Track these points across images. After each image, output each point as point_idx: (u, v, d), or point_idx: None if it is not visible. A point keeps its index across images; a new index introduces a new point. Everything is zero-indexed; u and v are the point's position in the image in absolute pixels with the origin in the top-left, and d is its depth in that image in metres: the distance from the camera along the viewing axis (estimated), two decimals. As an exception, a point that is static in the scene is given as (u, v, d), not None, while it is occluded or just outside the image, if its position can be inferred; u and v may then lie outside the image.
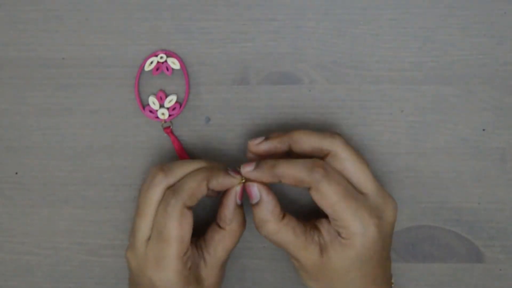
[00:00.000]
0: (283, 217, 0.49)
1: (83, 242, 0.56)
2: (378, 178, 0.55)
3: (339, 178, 0.48)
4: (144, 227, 0.48)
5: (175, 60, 0.55)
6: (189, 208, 0.48)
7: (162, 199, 0.48)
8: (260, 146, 0.50)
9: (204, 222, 0.54)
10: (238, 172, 0.49)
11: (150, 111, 0.55)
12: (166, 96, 0.56)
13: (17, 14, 0.56)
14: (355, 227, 0.47)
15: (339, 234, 0.48)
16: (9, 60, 0.56)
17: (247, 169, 0.49)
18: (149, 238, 0.48)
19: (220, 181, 0.48)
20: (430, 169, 0.55)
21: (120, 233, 0.56)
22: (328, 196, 0.47)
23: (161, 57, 0.55)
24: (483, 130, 0.55)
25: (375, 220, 0.48)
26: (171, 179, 0.48)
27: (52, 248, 0.56)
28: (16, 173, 0.56)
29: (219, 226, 0.50)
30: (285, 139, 0.50)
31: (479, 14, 0.55)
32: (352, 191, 0.48)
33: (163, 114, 0.55)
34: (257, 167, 0.49)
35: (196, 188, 0.48)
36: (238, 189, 0.49)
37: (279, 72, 0.55)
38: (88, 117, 0.56)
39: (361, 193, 0.49)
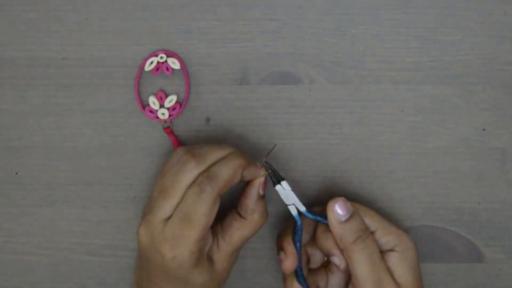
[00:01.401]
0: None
1: (83, 242, 0.56)
2: (378, 178, 0.55)
3: (379, 265, 0.49)
4: (168, 207, 0.48)
5: (175, 60, 0.55)
6: (220, 195, 0.48)
7: (194, 183, 0.48)
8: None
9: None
10: (262, 166, 0.50)
11: (150, 111, 0.55)
12: (166, 96, 0.56)
13: (17, 14, 0.56)
14: None
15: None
16: (9, 60, 0.56)
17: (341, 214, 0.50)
18: (168, 218, 0.48)
19: (252, 172, 0.49)
20: (430, 169, 0.55)
21: (120, 233, 0.56)
22: (359, 278, 0.49)
23: (161, 57, 0.55)
24: (483, 130, 0.55)
25: None
26: (203, 166, 0.48)
27: (52, 248, 0.56)
28: (16, 173, 0.56)
29: (240, 215, 0.50)
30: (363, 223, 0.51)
31: (479, 14, 0.55)
32: (386, 281, 0.49)
33: (163, 114, 0.55)
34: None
35: (232, 176, 0.48)
36: (262, 180, 0.50)
37: (279, 72, 0.55)
38: (88, 117, 0.56)
39: (398, 283, 0.50)
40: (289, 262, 0.50)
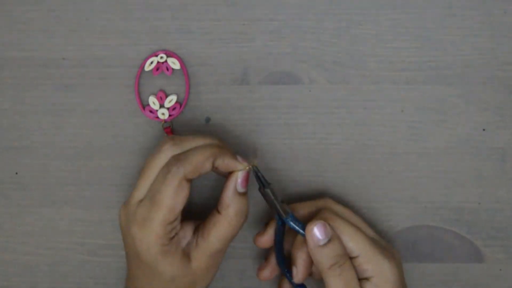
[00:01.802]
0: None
1: (83, 242, 0.56)
2: (378, 178, 0.55)
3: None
4: (142, 188, 0.49)
5: (175, 60, 0.55)
6: (189, 180, 0.48)
7: (164, 164, 0.48)
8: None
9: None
10: (245, 160, 0.50)
11: (150, 111, 0.55)
12: (166, 96, 0.56)
13: (17, 14, 0.56)
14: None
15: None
16: (9, 60, 0.56)
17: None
18: (142, 200, 0.49)
19: (226, 162, 0.49)
20: (430, 169, 0.55)
21: (120, 233, 0.56)
22: None
23: (161, 57, 0.55)
24: (483, 130, 0.55)
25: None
26: (178, 148, 0.49)
27: (52, 248, 0.56)
28: (16, 173, 0.56)
29: (218, 211, 0.50)
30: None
31: (479, 14, 0.55)
32: None
33: (163, 114, 0.55)
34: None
35: (200, 162, 0.48)
36: (240, 174, 0.49)
37: (279, 72, 0.55)
38: (88, 117, 0.56)
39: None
40: (265, 272, 0.52)
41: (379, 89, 0.55)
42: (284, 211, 0.50)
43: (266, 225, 0.52)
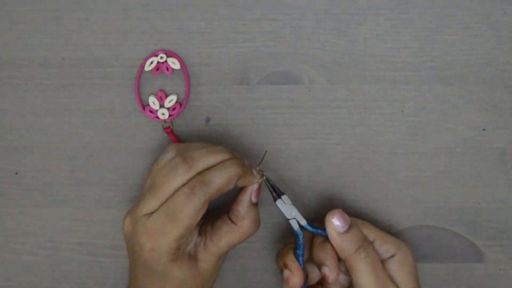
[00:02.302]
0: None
1: (83, 242, 0.56)
2: (378, 178, 0.55)
3: (381, 274, 0.49)
4: (153, 204, 0.49)
5: (175, 60, 0.55)
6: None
7: (185, 185, 0.48)
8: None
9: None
10: (257, 171, 0.50)
11: (150, 111, 0.55)
12: (166, 96, 0.56)
13: (17, 14, 0.56)
14: None
15: None
16: (9, 60, 0.56)
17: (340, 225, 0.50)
18: (152, 213, 0.49)
19: (247, 180, 0.49)
20: (430, 169, 0.55)
21: (120, 233, 0.56)
22: (361, 285, 0.49)
23: (161, 57, 0.55)
24: (483, 130, 0.55)
25: None
26: (193, 171, 0.48)
27: (52, 248, 0.56)
28: (16, 173, 0.56)
29: (231, 220, 0.50)
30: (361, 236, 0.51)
31: (479, 14, 0.55)
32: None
33: (163, 114, 0.55)
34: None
35: (226, 185, 0.48)
36: (255, 187, 0.50)
37: (279, 72, 0.55)
38: (88, 117, 0.56)
39: None
40: (296, 278, 0.50)
41: (379, 89, 0.55)
42: (292, 228, 0.51)
43: (285, 266, 0.51)
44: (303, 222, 0.51)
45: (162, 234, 0.48)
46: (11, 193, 0.56)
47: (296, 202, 0.55)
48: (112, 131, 0.56)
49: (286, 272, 0.50)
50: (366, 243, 0.50)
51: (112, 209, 0.56)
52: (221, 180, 0.48)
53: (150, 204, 0.48)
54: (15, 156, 0.56)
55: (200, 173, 0.48)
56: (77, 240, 0.56)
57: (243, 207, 0.50)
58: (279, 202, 0.51)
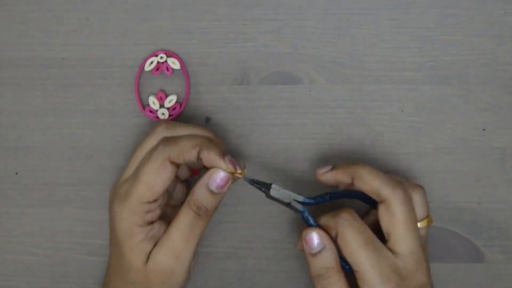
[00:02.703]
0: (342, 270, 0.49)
1: (83, 242, 0.56)
2: (378, 178, 0.55)
3: (364, 227, 0.47)
4: (131, 168, 0.50)
5: (175, 60, 0.55)
6: (173, 163, 0.47)
7: (154, 145, 0.49)
8: (326, 175, 0.50)
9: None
10: (232, 164, 0.48)
11: (150, 111, 0.55)
12: (166, 96, 0.56)
13: (17, 14, 0.56)
14: (373, 280, 0.46)
15: None
16: (9, 60, 0.56)
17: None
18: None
19: (211, 156, 0.47)
20: (430, 169, 0.55)
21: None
22: (348, 243, 0.47)
23: (161, 57, 0.55)
24: (483, 130, 0.55)
25: (397, 278, 0.46)
26: (170, 132, 0.49)
27: (52, 248, 0.56)
28: (16, 173, 0.56)
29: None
30: (348, 172, 0.49)
31: (479, 14, 0.55)
32: (377, 243, 0.47)
33: (163, 114, 0.55)
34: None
35: (186, 148, 0.47)
36: (217, 172, 0.47)
37: (279, 72, 0.56)
38: (88, 117, 0.56)
39: (393, 251, 0.48)
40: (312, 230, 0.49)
41: (379, 89, 0.55)
42: (292, 208, 0.50)
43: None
44: (301, 198, 0.50)
45: (127, 195, 0.48)
46: (11, 193, 0.56)
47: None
48: (112, 131, 0.56)
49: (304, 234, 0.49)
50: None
51: (112, 209, 0.56)
52: (183, 142, 0.47)
53: (129, 168, 0.50)
54: (15, 156, 0.56)
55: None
56: (77, 240, 0.56)
57: (197, 185, 0.48)
58: (272, 193, 0.50)
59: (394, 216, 0.47)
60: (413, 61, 0.55)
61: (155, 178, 0.47)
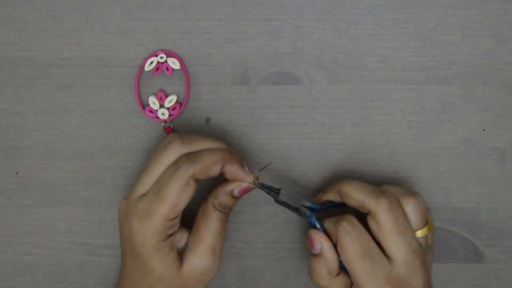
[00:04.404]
0: (337, 274, 0.49)
1: (83, 242, 0.56)
2: (378, 178, 0.55)
3: (363, 236, 0.48)
4: (145, 183, 0.49)
5: (175, 60, 0.55)
6: (196, 180, 0.48)
7: (174, 162, 0.48)
8: (321, 199, 0.52)
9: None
10: (251, 172, 0.50)
11: (150, 111, 0.55)
12: (166, 96, 0.56)
13: (17, 14, 0.56)
14: None
15: None
16: (9, 60, 0.56)
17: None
18: (145, 194, 0.49)
19: (234, 170, 0.49)
20: (430, 169, 0.55)
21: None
22: (345, 252, 0.48)
23: (161, 57, 0.55)
24: (483, 130, 0.55)
25: None
26: (187, 148, 0.49)
27: (52, 248, 0.56)
28: (16, 173, 0.56)
29: (209, 204, 0.50)
30: (336, 191, 0.51)
31: (479, 14, 0.55)
32: (374, 253, 0.48)
33: (163, 114, 0.55)
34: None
35: (210, 164, 0.48)
36: (243, 184, 0.50)
37: (279, 72, 0.55)
38: (88, 117, 0.56)
39: (390, 258, 0.48)
40: (316, 235, 0.50)
41: (379, 89, 0.55)
42: (301, 214, 0.51)
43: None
44: (309, 204, 0.51)
45: (148, 214, 0.48)
46: (11, 193, 0.56)
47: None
48: (112, 131, 0.56)
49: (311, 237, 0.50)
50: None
51: (112, 209, 0.56)
52: (207, 158, 0.48)
53: (143, 183, 0.49)
54: (15, 156, 0.56)
55: (191, 152, 0.49)
56: (77, 240, 0.56)
57: (222, 191, 0.50)
58: (281, 198, 0.51)
59: (381, 225, 0.48)
60: (413, 61, 0.55)
61: (180, 198, 0.47)
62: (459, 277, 0.56)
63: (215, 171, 0.48)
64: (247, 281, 0.56)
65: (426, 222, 0.50)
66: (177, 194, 0.47)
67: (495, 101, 0.55)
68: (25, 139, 0.56)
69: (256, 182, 0.50)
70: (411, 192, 0.50)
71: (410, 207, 0.49)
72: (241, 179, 0.49)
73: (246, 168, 0.49)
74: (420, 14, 0.55)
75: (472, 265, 0.55)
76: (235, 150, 0.51)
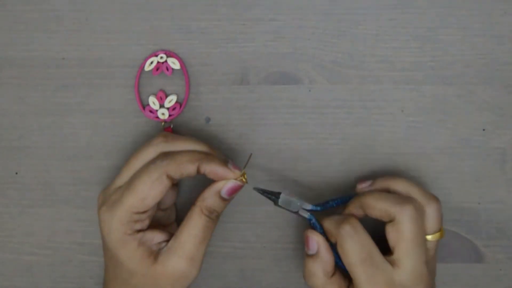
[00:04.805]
0: (333, 274, 0.49)
1: (83, 242, 0.56)
2: (378, 178, 0.55)
3: (366, 240, 0.48)
4: (124, 176, 0.49)
5: (175, 60, 0.55)
6: (170, 178, 0.48)
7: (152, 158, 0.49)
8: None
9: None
10: (238, 168, 0.49)
11: (150, 111, 0.55)
12: (166, 96, 0.56)
13: (17, 14, 0.56)
14: None
15: None
16: (9, 60, 0.56)
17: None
18: (120, 187, 0.49)
19: (213, 168, 0.48)
20: (430, 169, 0.55)
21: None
22: (346, 255, 0.48)
23: (161, 57, 0.55)
24: (483, 130, 0.55)
25: None
26: (169, 146, 0.49)
27: (52, 248, 0.56)
28: (16, 173, 0.56)
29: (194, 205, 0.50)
30: (357, 205, 0.50)
31: (479, 14, 0.55)
32: (376, 258, 0.48)
33: (163, 114, 0.55)
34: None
35: (185, 164, 0.47)
36: (229, 183, 0.49)
37: (279, 72, 0.55)
38: (88, 117, 0.56)
39: (395, 265, 0.48)
40: (314, 235, 0.50)
41: (379, 89, 0.55)
42: (303, 216, 0.51)
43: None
44: (309, 206, 0.51)
45: (116, 204, 0.48)
46: (11, 193, 0.56)
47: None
48: (112, 131, 0.56)
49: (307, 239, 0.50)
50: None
51: (112, 209, 0.56)
52: (181, 157, 0.48)
53: (121, 176, 0.49)
54: (15, 156, 0.56)
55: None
56: (77, 240, 0.56)
57: (209, 193, 0.49)
58: (281, 202, 0.51)
59: (402, 234, 0.48)
60: (413, 61, 0.55)
61: (149, 191, 0.47)
62: (459, 277, 0.56)
63: (190, 170, 0.48)
64: (247, 281, 0.56)
65: (440, 228, 0.50)
66: (148, 187, 0.47)
67: (495, 101, 0.55)
68: (25, 139, 0.56)
69: (242, 178, 0.49)
70: (433, 196, 0.50)
71: (432, 211, 0.49)
72: (223, 176, 0.48)
73: (230, 166, 0.49)
74: (420, 14, 0.55)
75: (472, 265, 0.55)
76: (221, 153, 0.51)
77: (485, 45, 0.55)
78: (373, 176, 0.53)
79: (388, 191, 0.50)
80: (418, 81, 0.55)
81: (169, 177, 0.48)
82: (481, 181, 0.55)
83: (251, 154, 0.53)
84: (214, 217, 0.49)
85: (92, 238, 0.56)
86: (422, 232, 0.48)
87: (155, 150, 0.49)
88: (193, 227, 0.48)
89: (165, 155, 0.48)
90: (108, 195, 0.49)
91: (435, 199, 0.50)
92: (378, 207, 0.49)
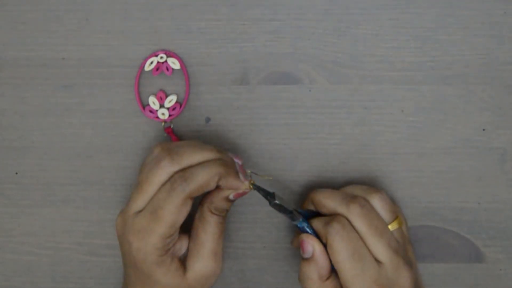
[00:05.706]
0: (327, 278, 0.49)
1: (83, 242, 0.56)
2: (378, 178, 0.55)
3: (353, 237, 0.48)
4: (140, 202, 0.49)
5: (175, 60, 0.55)
6: (192, 198, 0.48)
7: (168, 181, 0.48)
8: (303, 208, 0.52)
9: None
10: (246, 179, 0.50)
11: (150, 111, 0.55)
12: (166, 96, 0.56)
13: (17, 14, 0.56)
14: None
15: None
16: (9, 60, 0.56)
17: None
18: (140, 211, 0.49)
19: (230, 182, 0.49)
20: (430, 169, 0.55)
21: (120, 233, 0.56)
22: (335, 253, 0.48)
23: (161, 57, 0.55)
24: (483, 130, 0.55)
25: None
26: (178, 166, 0.48)
27: (52, 248, 0.56)
28: (16, 173, 0.56)
29: (205, 209, 0.50)
30: (310, 201, 0.51)
31: (479, 14, 0.55)
32: (364, 254, 0.48)
33: (163, 114, 0.55)
34: None
35: (206, 182, 0.48)
36: (239, 190, 0.50)
37: (279, 72, 0.56)
38: (88, 117, 0.56)
39: (378, 261, 0.48)
40: (307, 237, 0.50)
41: (379, 89, 0.55)
42: (294, 217, 0.50)
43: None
44: (301, 210, 0.51)
45: (147, 233, 0.48)
46: (11, 193, 0.56)
47: (296, 203, 0.55)
48: (112, 131, 0.56)
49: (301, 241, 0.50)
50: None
51: (112, 209, 0.56)
52: (201, 177, 0.48)
53: (137, 201, 0.49)
54: (15, 156, 0.56)
55: (184, 169, 0.48)
56: (77, 240, 0.56)
57: (217, 197, 0.50)
58: (276, 202, 0.50)
59: (358, 230, 0.48)
60: (413, 61, 0.55)
61: (177, 217, 0.48)
62: (459, 277, 0.56)
63: (210, 187, 0.48)
64: (247, 281, 0.56)
65: (396, 216, 0.50)
66: (174, 214, 0.47)
67: (495, 101, 0.55)
68: (25, 139, 0.56)
69: (251, 184, 0.50)
70: (374, 189, 0.51)
71: (375, 203, 0.50)
72: (236, 188, 0.50)
73: (241, 175, 0.50)
74: (420, 14, 0.55)
75: (472, 265, 0.55)
76: (227, 154, 0.51)
77: (485, 45, 0.55)
78: (355, 181, 0.54)
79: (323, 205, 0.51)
80: (418, 81, 0.55)
81: (191, 198, 0.48)
82: (481, 181, 0.55)
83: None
84: (224, 214, 0.51)
85: (92, 238, 0.56)
86: (377, 223, 0.49)
87: (166, 173, 0.48)
88: (208, 226, 0.50)
89: (182, 178, 0.47)
90: (129, 221, 0.49)
91: (376, 190, 0.50)
92: (327, 205, 0.50)
